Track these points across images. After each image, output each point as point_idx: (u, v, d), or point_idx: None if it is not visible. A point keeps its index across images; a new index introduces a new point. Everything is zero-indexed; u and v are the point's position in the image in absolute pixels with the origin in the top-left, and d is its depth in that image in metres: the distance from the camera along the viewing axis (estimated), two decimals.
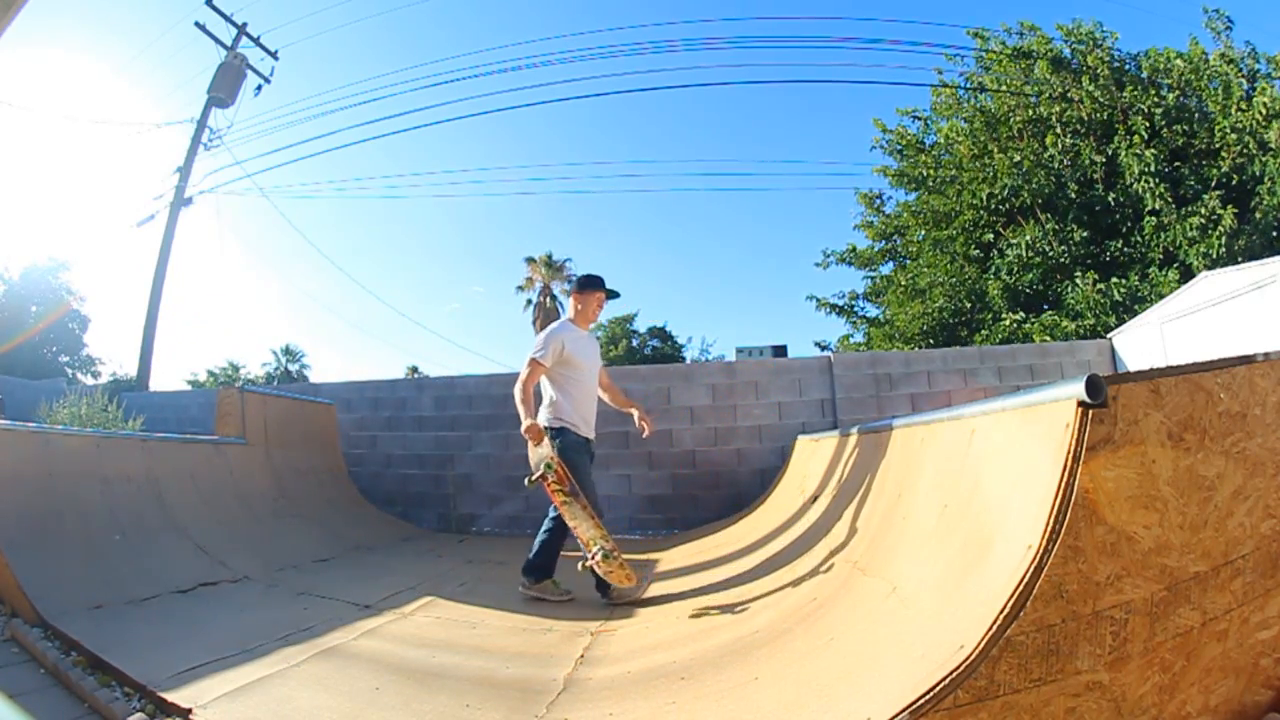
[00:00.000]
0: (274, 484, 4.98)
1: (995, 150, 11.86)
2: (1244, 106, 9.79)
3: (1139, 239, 10.26)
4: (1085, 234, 10.62)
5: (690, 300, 63.82)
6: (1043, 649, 1.31)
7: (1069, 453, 1.36)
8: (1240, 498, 1.53)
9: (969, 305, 11.54)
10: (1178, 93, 10.70)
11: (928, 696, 1.29)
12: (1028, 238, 10.89)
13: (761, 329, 72.69)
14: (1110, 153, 10.64)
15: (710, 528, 5.51)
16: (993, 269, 11.47)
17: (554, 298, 30.13)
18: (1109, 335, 7.56)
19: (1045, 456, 1.45)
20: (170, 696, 1.87)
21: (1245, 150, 9.66)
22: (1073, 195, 11.00)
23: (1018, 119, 11.81)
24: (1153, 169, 9.90)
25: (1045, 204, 11.26)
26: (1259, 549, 1.56)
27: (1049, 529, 1.34)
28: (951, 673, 1.30)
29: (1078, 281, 10.05)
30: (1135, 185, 10.08)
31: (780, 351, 28.89)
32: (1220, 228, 9.16)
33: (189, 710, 1.81)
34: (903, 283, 12.58)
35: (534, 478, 3.17)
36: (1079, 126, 11.22)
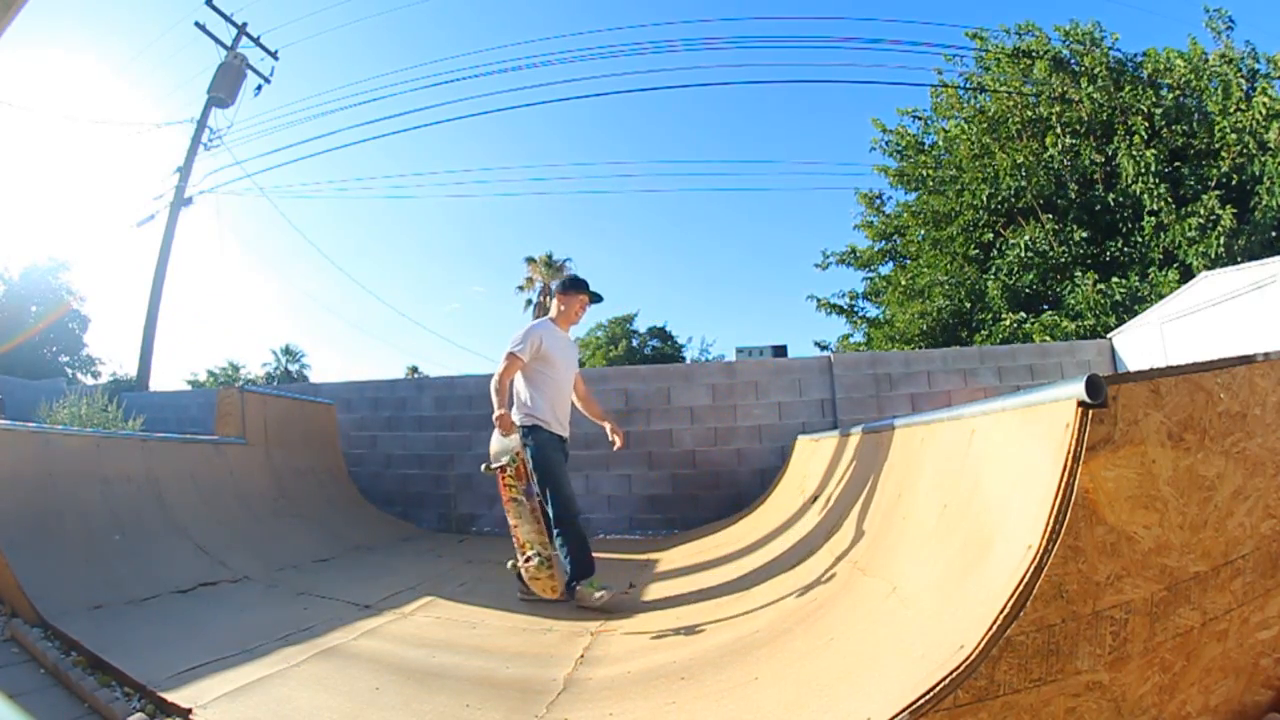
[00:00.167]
0: (274, 484, 4.98)
1: (996, 150, 11.86)
2: (1244, 106, 9.79)
3: (1139, 239, 10.26)
4: (1085, 234, 10.62)
5: (690, 300, 63.88)
6: (1043, 649, 1.31)
7: (1069, 453, 1.36)
8: (1240, 498, 1.53)
9: (969, 305, 11.54)
10: (1178, 93, 10.70)
11: (928, 696, 1.29)
12: (1027, 238, 10.90)
13: (761, 329, 72.73)
14: (1110, 153, 10.64)
15: (710, 528, 5.50)
16: (993, 269, 11.47)
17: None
18: (1109, 335, 7.56)
19: (1045, 456, 1.45)
20: (170, 696, 1.87)
21: (1245, 150, 9.66)
22: (1073, 195, 11.01)
23: (1016, 119, 11.81)
24: (1152, 169, 9.90)
25: (1045, 204, 11.26)
26: (1259, 549, 1.56)
27: (1049, 529, 1.34)
28: (951, 673, 1.30)
29: (1078, 281, 10.06)
30: (1133, 186, 10.09)
31: (780, 351, 28.89)
32: (1219, 228, 9.16)
33: (189, 710, 1.81)
34: (902, 283, 12.59)
35: (491, 466, 3.19)
36: (1078, 127, 11.23)
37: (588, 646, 2.53)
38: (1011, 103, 11.89)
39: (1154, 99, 10.73)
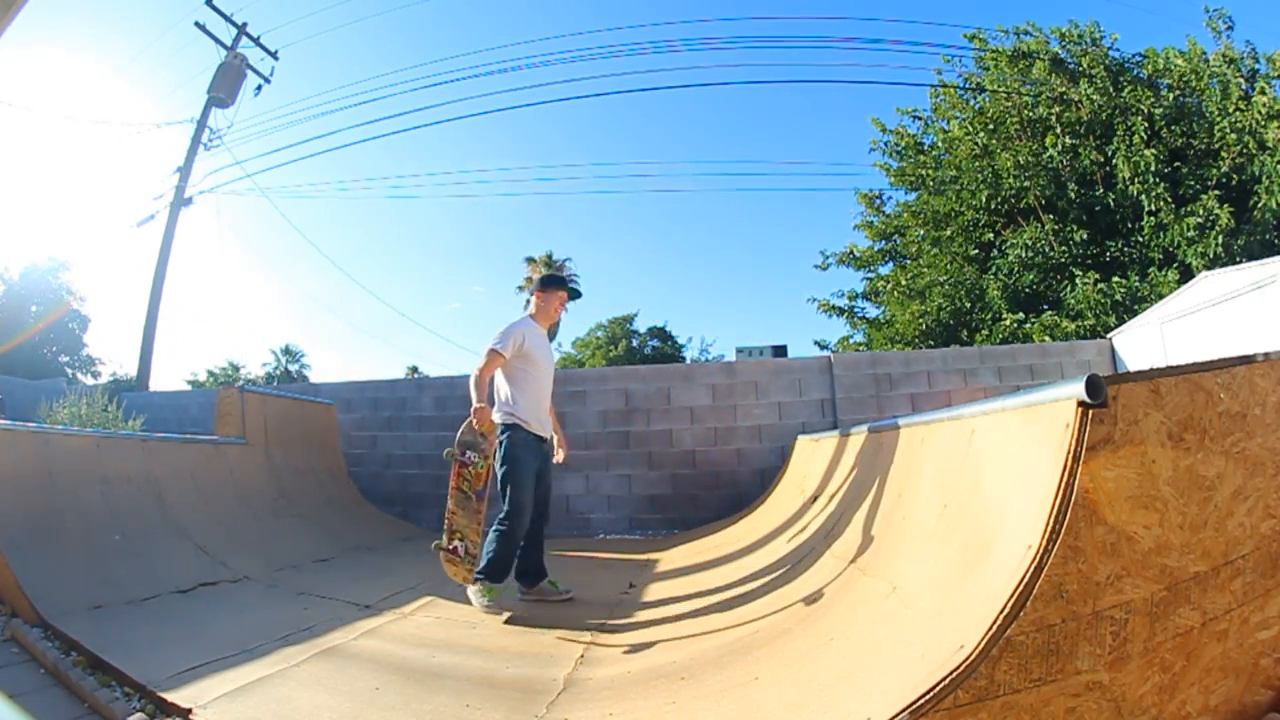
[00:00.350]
0: (274, 484, 4.98)
1: (997, 150, 11.86)
2: (1243, 106, 9.79)
3: (1139, 239, 10.26)
4: (1085, 234, 10.62)
5: (690, 300, 63.89)
6: (1043, 649, 1.31)
7: (1069, 453, 1.36)
8: (1240, 498, 1.53)
9: (969, 305, 11.54)
10: (1177, 93, 10.71)
11: (928, 696, 1.29)
12: (1027, 238, 10.89)
13: (761, 329, 72.73)
14: (1110, 153, 10.65)
15: (710, 528, 5.50)
16: (993, 269, 11.47)
17: None
18: (1109, 335, 7.56)
19: (1045, 456, 1.45)
20: (170, 696, 1.88)
21: (1245, 150, 9.66)
22: (1072, 195, 11.00)
23: (1015, 120, 11.81)
24: (1152, 169, 9.90)
25: (1045, 204, 11.26)
26: (1259, 549, 1.56)
27: (1049, 529, 1.34)
28: (952, 673, 1.30)
29: (1078, 281, 10.06)
30: (1130, 187, 10.10)
31: (780, 351, 28.89)
32: (1218, 228, 9.16)
33: (189, 710, 1.81)
34: (902, 283, 12.58)
35: (456, 456, 3.11)
36: (1078, 127, 11.23)
37: (588, 646, 2.53)
38: (1011, 103, 11.89)
39: (1154, 99, 10.73)
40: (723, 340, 60.15)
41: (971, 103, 12.91)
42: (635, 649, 2.47)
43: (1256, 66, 10.53)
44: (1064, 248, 10.68)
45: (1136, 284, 9.56)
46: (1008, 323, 10.38)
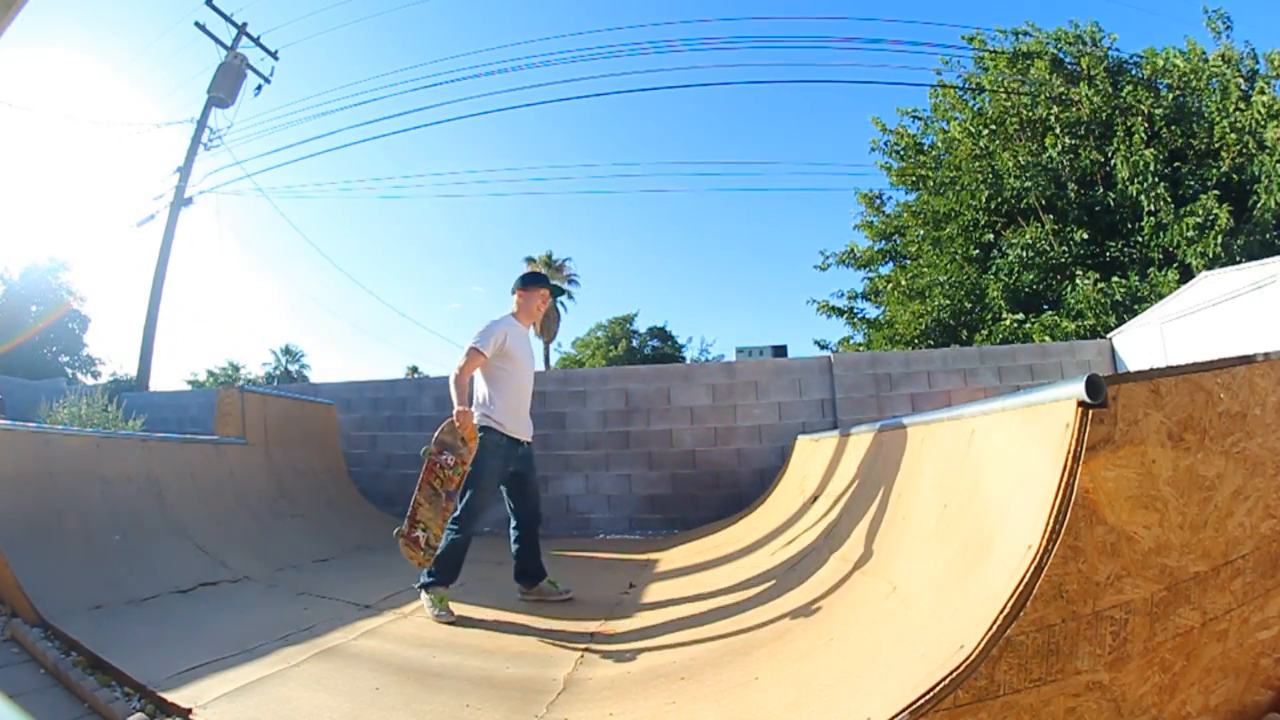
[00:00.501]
0: (274, 484, 4.98)
1: (997, 150, 11.86)
2: (1243, 106, 9.79)
3: (1139, 239, 10.26)
4: (1085, 234, 10.63)
5: (690, 300, 63.87)
6: (1043, 649, 1.31)
7: (1069, 453, 1.36)
8: (1240, 498, 1.53)
9: (969, 305, 11.54)
10: (1177, 93, 10.71)
11: (928, 696, 1.29)
12: (1028, 238, 10.89)
13: (761, 329, 72.73)
14: (1109, 153, 10.65)
15: (710, 528, 5.50)
16: (993, 269, 11.47)
17: (554, 295, 30.17)
18: (1109, 335, 7.56)
19: (1045, 456, 1.45)
20: (170, 696, 1.87)
21: (1244, 150, 9.66)
22: (1072, 196, 11.01)
23: (1014, 120, 11.81)
24: (1151, 169, 9.90)
25: (1045, 204, 11.27)
26: (1259, 549, 1.56)
27: (1049, 529, 1.34)
28: (952, 673, 1.30)
29: (1078, 281, 10.06)
30: (1130, 187, 10.10)
31: (780, 351, 28.89)
32: (1217, 227, 9.16)
33: (189, 710, 1.81)
34: (902, 283, 12.58)
35: (433, 456, 3.06)
36: (1077, 128, 11.23)
37: (588, 646, 2.53)
38: (1010, 103, 11.90)
39: (1153, 99, 10.73)
40: (723, 340, 60.19)
41: (971, 103, 12.92)
42: (635, 649, 2.47)
43: (1256, 66, 10.54)
44: (1064, 248, 10.68)
45: (1136, 284, 9.56)
46: (1008, 323, 10.38)
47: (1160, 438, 1.42)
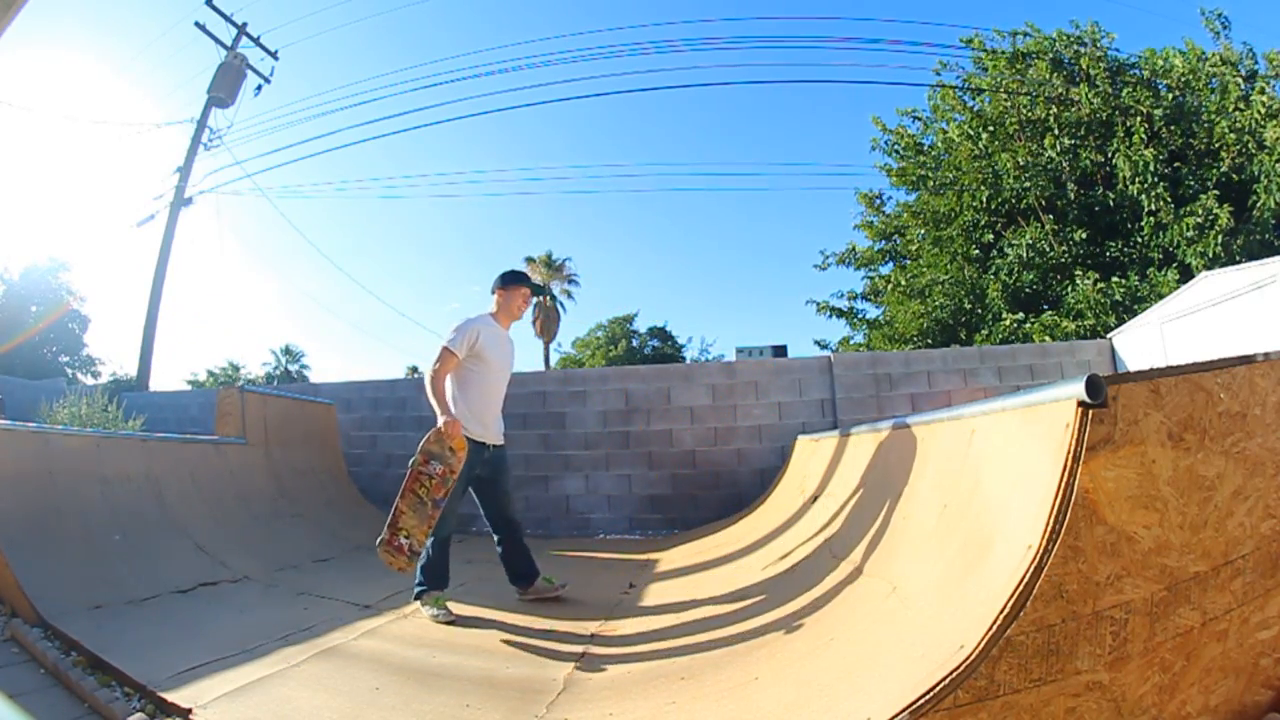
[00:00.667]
0: (274, 484, 4.98)
1: (996, 151, 11.86)
2: (1242, 106, 9.79)
3: (1139, 239, 10.27)
4: (1085, 234, 10.63)
5: (690, 300, 63.83)
6: (1043, 649, 1.31)
7: (1069, 453, 1.36)
8: (1240, 498, 1.53)
9: (969, 305, 11.55)
10: (1176, 93, 10.71)
11: (928, 696, 1.29)
12: (1028, 238, 10.90)
13: (761, 329, 72.72)
14: (1109, 154, 10.65)
15: (710, 528, 5.50)
16: (993, 269, 11.47)
17: (554, 297, 30.16)
18: (1109, 335, 7.56)
19: (1045, 456, 1.45)
20: (170, 696, 1.88)
21: (1244, 150, 9.66)
22: (1072, 196, 11.01)
23: (1013, 120, 11.82)
24: (1151, 169, 9.90)
25: (1045, 204, 11.27)
26: (1259, 549, 1.56)
27: (1049, 529, 1.34)
28: (952, 673, 1.30)
29: (1078, 281, 10.06)
30: (1130, 187, 10.10)
31: (780, 351, 28.89)
32: (1217, 227, 9.17)
33: (189, 710, 1.81)
34: (902, 282, 12.59)
35: (419, 468, 2.93)
36: (1077, 128, 11.23)
37: (588, 646, 2.53)
38: (1010, 104, 11.90)
39: (1153, 100, 10.74)
40: (723, 340, 60.12)
41: (970, 104, 12.92)
42: (635, 649, 2.47)
43: (1255, 67, 10.54)
44: (1064, 248, 10.69)
45: (1136, 284, 9.57)
46: (1008, 323, 10.38)
47: (1160, 438, 1.42)
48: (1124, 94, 10.93)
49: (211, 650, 2.27)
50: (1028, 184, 11.04)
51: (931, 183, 12.67)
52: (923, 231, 13.15)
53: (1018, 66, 12.04)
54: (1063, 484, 1.35)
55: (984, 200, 11.68)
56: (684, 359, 30.78)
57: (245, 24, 13.50)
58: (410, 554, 2.91)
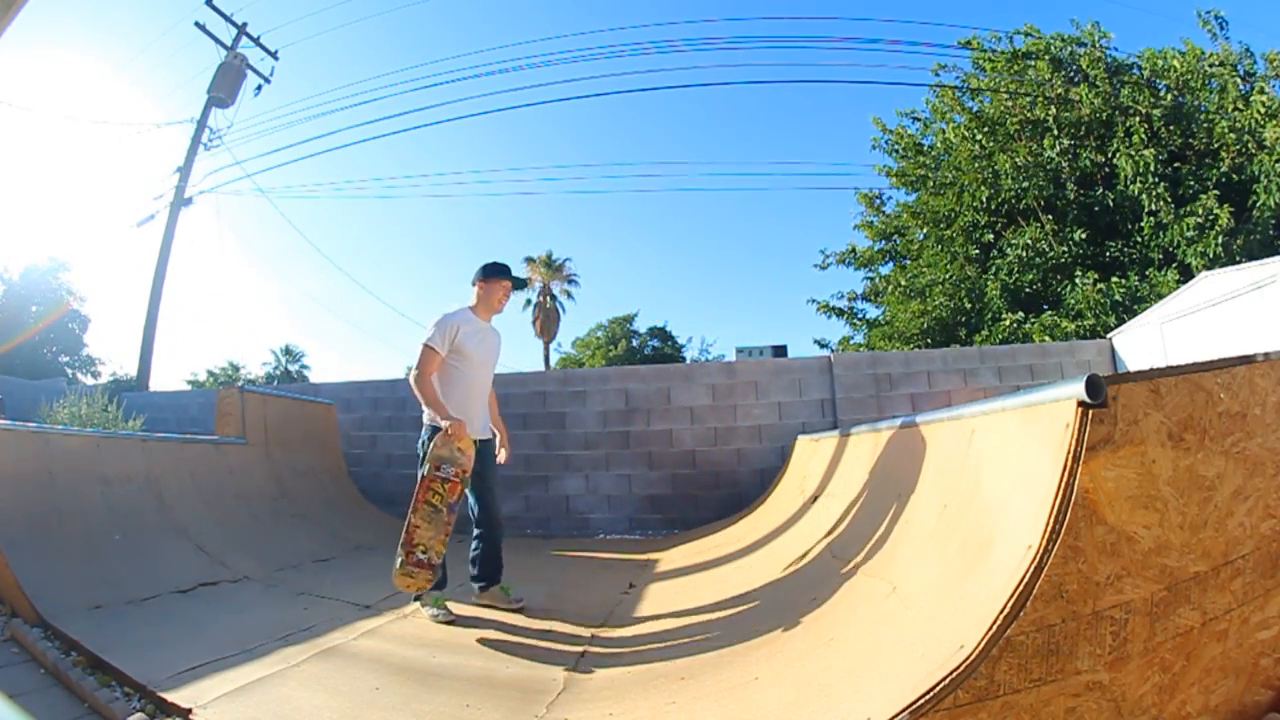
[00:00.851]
0: (274, 484, 4.98)
1: (996, 151, 11.87)
2: (1242, 106, 9.79)
3: (1139, 239, 10.27)
4: (1085, 234, 10.63)
5: (690, 300, 63.81)
6: (1043, 649, 1.32)
7: (1069, 453, 1.36)
8: (1240, 498, 1.53)
9: (969, 305, 11.55)
10: (1175, 93, 10.71)
11: (928, 696, 1.29)
12: (1028, 238, 10.90)
13: (761, 329, 72.63)
14: (1109, 154, 10.65)
15: (710, 528, 5.50)
16: (993, 269, 11.48)
17: (554, 298, 30.15)
18: (1109, 335, 7.56)
19: (1045, 456, 1.45)
20: (170, 696, 1.87)
21: (1244, 150, 9.66)
22: (1072, 196, 11.01)
23: (1013, 121, 11.82)
24: (1151, 169, 9.91)
25: (1045, 204, 11.27)
26: (1259, 549, 1.56)
27: (1049, 529, 1.34)
28: (952, 673, 1.30)
29: (1078, 281, 10.06)
30: (1131, 187, 10.10)
31: (780, 351, 28.88)
32: (1217, 227, 9.17)
33: (189, 710, 1.81)
34: (902, 282, 12.59)
35: (429, 474, 2.87)
36: (1076, 128, 11.23)
37: (587, 646, 2.53)
38: (1009, 104, 11.90)
39: (1152, 100, 10.74)
40: (723, 340, 60.08)
41: (969, 104, 12.92)
42: (635, 649, 2.47)
43: (1254, 67, 10.54)
44: (1064, 248, 10.69)
45: (1136, 284, 9.57)
46: (1008, 323, 10.38)
47: (1160, 438, 1.42)
48: (1123, 94, 10.93)
49: (211, 650, 2.27)
50: (1027, 184, 11.04)
51: (931, 183, 12.67)
52: (923, 232, 13.16)
53: (1017, 67, 12.05)
54: (1063, 484, 1.35)
55: (984, 200, 11.68)
56: (684, 359, 30.78)
57: (245, 24, 13.51)
58: (431, 568, 2.84)
